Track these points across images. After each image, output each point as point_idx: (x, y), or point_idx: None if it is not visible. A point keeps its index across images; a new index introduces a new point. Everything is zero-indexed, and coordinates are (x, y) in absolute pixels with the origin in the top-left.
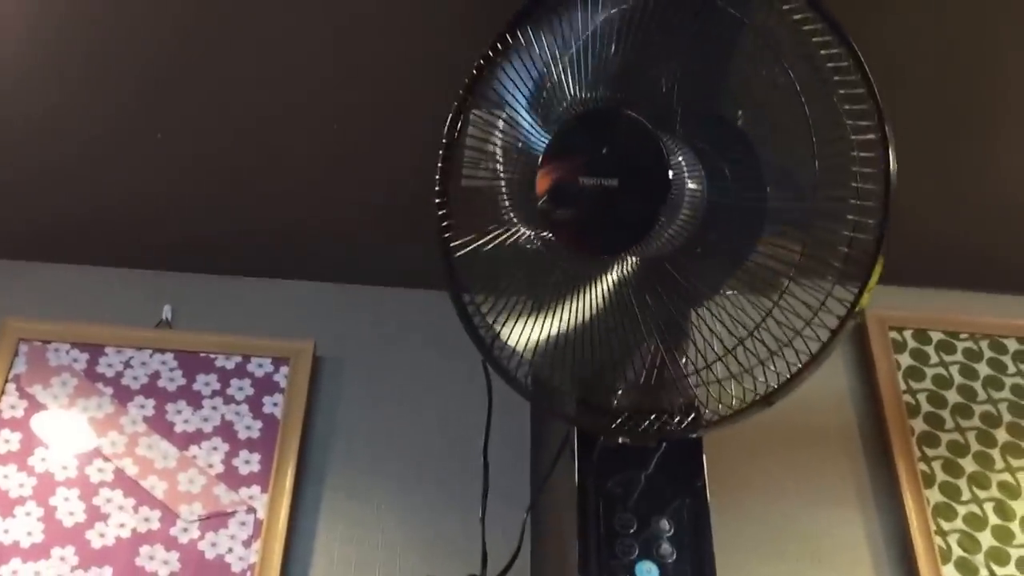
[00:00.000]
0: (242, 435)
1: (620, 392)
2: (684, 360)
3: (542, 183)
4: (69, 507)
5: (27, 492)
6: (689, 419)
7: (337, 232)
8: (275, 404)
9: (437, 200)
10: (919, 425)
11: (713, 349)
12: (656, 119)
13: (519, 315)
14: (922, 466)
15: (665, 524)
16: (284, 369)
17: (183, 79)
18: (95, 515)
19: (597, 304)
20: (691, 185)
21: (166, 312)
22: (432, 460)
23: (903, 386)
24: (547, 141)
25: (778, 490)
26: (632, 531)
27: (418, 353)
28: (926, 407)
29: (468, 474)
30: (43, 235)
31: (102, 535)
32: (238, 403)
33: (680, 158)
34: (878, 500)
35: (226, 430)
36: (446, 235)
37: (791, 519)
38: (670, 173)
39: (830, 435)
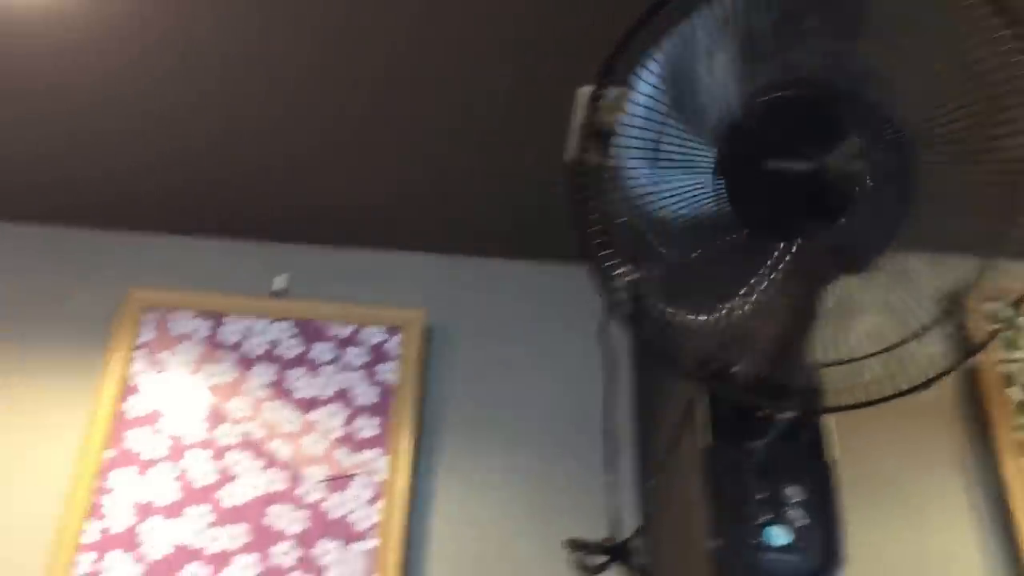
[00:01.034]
0: (360, 401)
1: (756, 360)
2: (843, 338)
3: (725, 163)
4: (201, 468)
5: (161, 454)
6: (837, 395)
7: (449, 203)
8: (389, 371)
9: (575, 178)
10: (1016, 394)
11: (888, 329)
12: (823, 103)
13: (653, 270)
14: (1019, 435)
15: (794, 490)
16: (397, 337)
17: (305, 63)
18: (226, 476)
19: (747, 273)
20: (856, 169)
21: (283, 282)
22: (543, 425)
23: (1000, 356)
24: (718, 124)
25: (881, 457)
26: (761, 496)
27: (528, 322)
28: (1023, 377)
29: (579, 438)
30: (164, 207)
31: (233, 495)
32: (355, 370)
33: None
34: (977, 468)
35: (344, 396)
36: (582, 204)
37: (896, 486)
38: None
39: (929, 405)
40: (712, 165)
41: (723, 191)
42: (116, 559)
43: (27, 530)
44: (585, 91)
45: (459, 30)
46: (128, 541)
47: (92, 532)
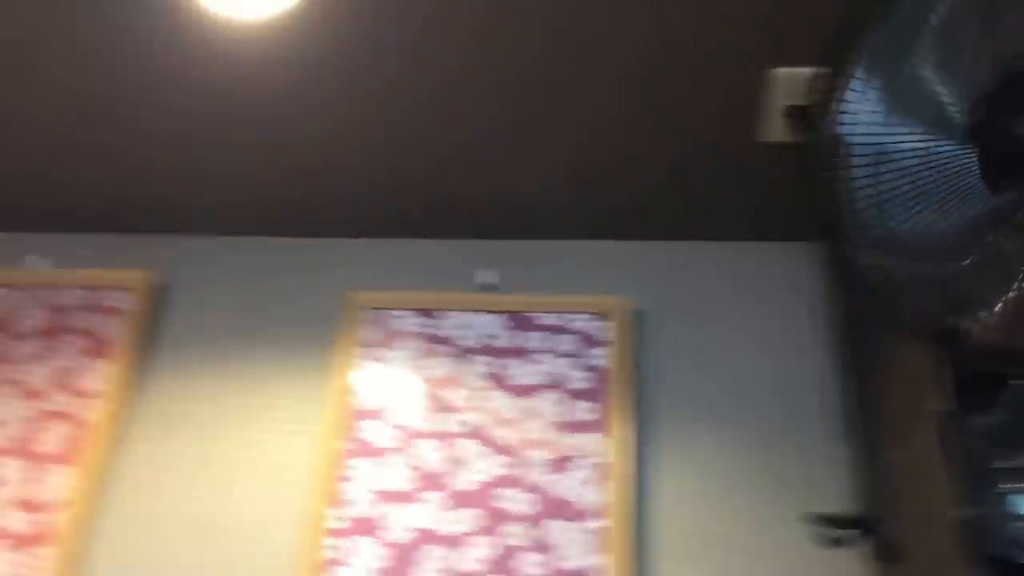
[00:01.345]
0: (574, 386)
1: (997, 326)
2: None
3: (975, 129)
4: (431, 456)
5: (392, 444)
6: None
7: (646, 189)
8: (601, 357)
9: (807, 156)
10: None
11: None
12: None
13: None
14: None
15: None
16: (605, 324)
17: (490, 62)
18: (456, 463)
19: (991, 237)
20: None
21: (490, 276)
22: (757, 402)
23: None
24: (960, 94)
25: None
26: (1005, 464)
27: (733, 302)
28: None
29: (794, 414)
30: (375, 212)
31: (465, 480)
32: (567, 357)
33: None
34: None
35: (559, 382)
36: (811, 181)
37: None
38: None
39: None
40: (941, 135)
41: (965, 157)
42: (361, 544)
43: (276, 521)
44: (785, 72)
45: (644, 10)
46: (371, 526)
47: (337, 519)
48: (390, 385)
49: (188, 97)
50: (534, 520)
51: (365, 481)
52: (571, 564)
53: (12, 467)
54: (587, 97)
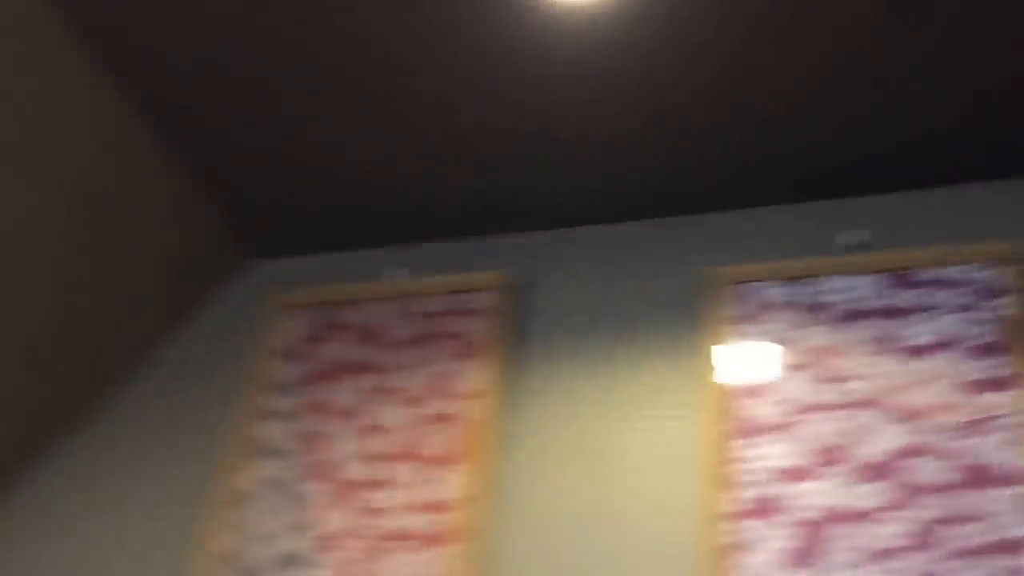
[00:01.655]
0: (976, 341)
1: None
2: None
3: None
4: (825, 429)
5: (781, 420)
6: None
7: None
8: (1002, 307)
9: None
10: None
11: None
12: None
13: None
14: None
15: None
16: (1000, 271)
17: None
18: (854, 433)
19: None
20: None
21: (857, 236)
22: None
23: None
24: None
25: None
26: None
27: None
28: None
29: None
30: (724, 185)
31: (867, 452)
32: (960, 312)
33: None
34: None
35: (956, 339)
36: None
37: None
38: None
39: None
40: None
41: None
42: (764, 526)
43: (668, 508)
44: None
45: None
46: (771, 507)
47: (733, 501)
48: (766, 359)
49: (525, 91)
50: (954, 489)
51: (757, 460)
52: (1010, 533)
53: (404, 471)
54: (956, 17)
